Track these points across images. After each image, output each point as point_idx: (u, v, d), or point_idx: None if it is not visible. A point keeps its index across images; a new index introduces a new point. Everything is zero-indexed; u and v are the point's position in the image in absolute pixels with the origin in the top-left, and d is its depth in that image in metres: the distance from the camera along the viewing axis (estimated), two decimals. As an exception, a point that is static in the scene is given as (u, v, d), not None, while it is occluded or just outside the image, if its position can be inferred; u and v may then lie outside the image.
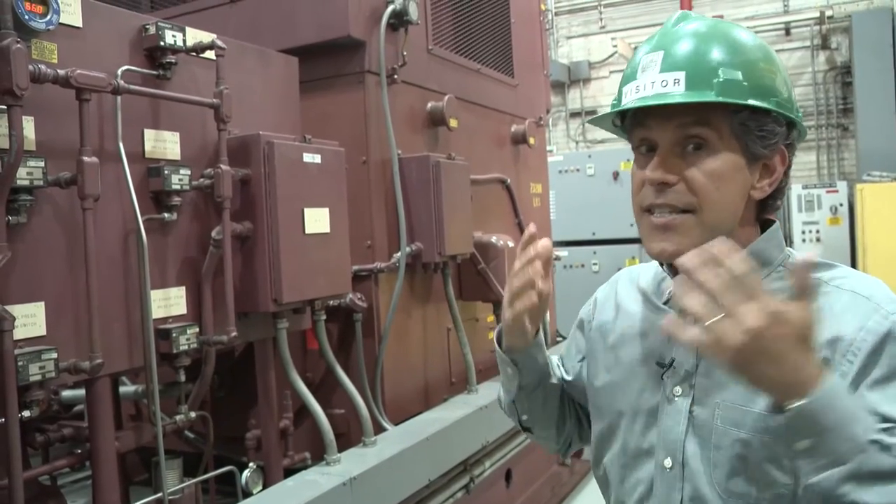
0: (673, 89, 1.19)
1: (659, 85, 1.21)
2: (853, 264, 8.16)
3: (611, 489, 1.41)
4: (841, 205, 9.05)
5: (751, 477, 1.18)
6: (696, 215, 1.21)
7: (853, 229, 8.63)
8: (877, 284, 1.21)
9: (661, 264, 1.37)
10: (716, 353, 0.98)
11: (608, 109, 1.35)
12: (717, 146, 1.20)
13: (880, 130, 9.02)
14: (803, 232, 9.13)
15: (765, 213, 1.31)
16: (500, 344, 1.47)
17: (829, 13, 9.91)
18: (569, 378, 1.59)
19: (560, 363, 1.62)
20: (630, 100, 1.25)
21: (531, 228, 1.36)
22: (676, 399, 1.27)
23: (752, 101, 1.18)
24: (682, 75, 1.19)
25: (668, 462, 1.27)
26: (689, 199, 1.20)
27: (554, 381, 1.53)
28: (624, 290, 1.49)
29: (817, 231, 9.10)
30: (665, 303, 1.36)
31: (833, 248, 8.81)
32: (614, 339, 1.43)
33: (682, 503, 1.25)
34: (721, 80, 1.18)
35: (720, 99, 1.17)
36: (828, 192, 9.14)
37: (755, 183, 1.25)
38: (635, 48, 1.37)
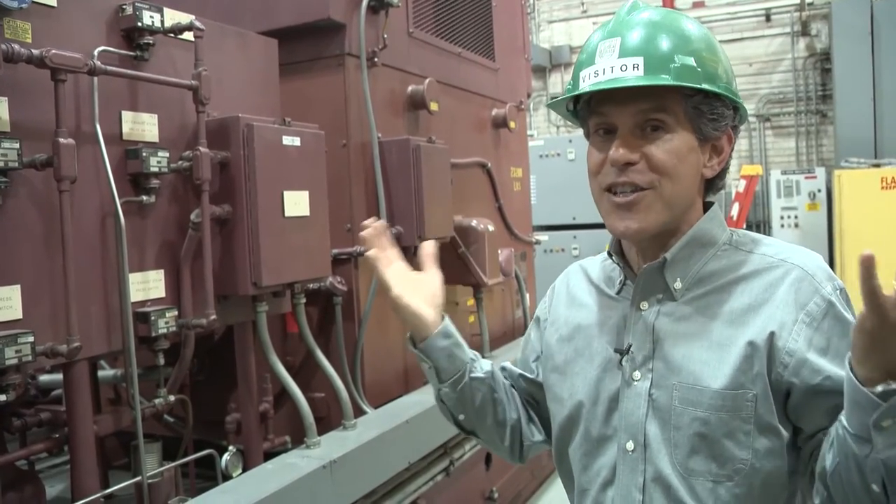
0: (632, 73, 1.24)
1: (618, 69, 1.25)
2: (830, 249, 8.25)
3: (573, 480, 1.43)
4: (819, 191, 9.15)
5: (710, 454, 1.23)
6: (656, 191, 1.27)
7: (831, 215, 8.71)
8: (817, 260, 1.29)
9: (610, 256, 1.42)
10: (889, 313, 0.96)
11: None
12: (674, 127, 1.26)
13: (858, 117, 9.11)
14: (782, 217, 9.21)
15: (709, 192, 1.38)
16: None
17: (809, 0, 9.95)
18: (531, 377, 1.58)
19: (514, 363, 1.63)
20: (588, 84, 1.28)
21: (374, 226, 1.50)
22: (636, 383, 1.31)
23: (705, 86, 1.25)
24: (640, 60, 1.24)
25: (629, 445, 1.30)
26: (650, 176, 1.26)
27: (479, 374, 1.51)
28: (576, 284, 1.52)
29: (795, 217, 9.19)
30: (618, 293, 1.41)
31: (811, 233, 8.90)
32: (571, 331, 1.46)
33: (645, 484, 1.28)
34: (677, 65, 1.23)
35: (677, 82, 1.23)
36: (806, 178, 9.24)
37: (706, 162, 1.32)
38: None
